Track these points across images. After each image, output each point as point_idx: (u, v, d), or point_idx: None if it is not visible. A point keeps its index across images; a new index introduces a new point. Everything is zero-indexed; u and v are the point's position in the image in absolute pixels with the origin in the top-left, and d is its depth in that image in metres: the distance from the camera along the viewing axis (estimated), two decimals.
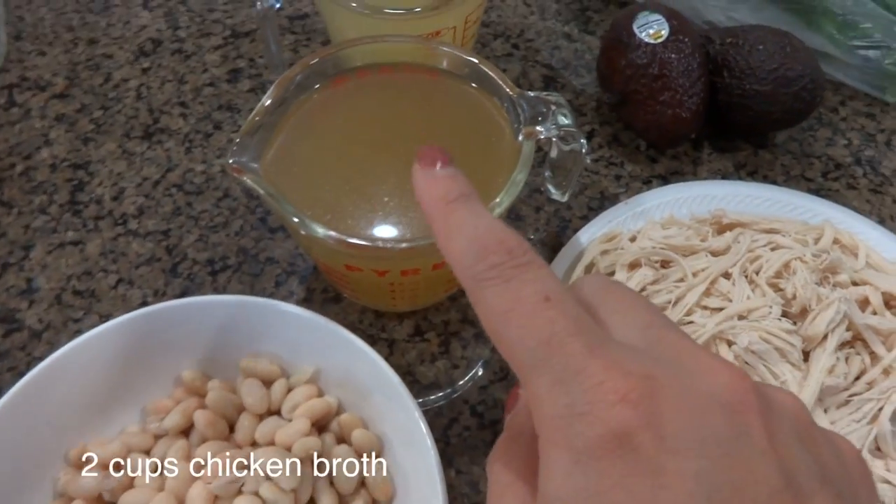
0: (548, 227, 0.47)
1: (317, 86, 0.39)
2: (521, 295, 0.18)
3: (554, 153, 0.41)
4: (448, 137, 0.38)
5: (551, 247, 0.46)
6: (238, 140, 0.35)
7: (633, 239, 0.42)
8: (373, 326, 0.43)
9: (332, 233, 0.33)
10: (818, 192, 0.49)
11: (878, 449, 0.33)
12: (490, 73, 0.39)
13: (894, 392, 0.33)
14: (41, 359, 0.40)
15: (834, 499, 0.17)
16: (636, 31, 0.47)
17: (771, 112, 0.47)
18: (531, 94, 0.38)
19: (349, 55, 0.40)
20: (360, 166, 0.37)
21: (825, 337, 0.34)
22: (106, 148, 0.49)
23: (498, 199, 0.34)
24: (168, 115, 0.51)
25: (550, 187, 0.43)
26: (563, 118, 0.38)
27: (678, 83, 0.46)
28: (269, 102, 0.37)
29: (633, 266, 0.41)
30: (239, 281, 0.44)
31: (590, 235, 0.43)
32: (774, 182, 0.49)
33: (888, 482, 0.32)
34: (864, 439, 0.32)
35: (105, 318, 0.42)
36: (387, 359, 0.40)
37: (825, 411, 0.33)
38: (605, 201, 0.48)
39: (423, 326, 0.43)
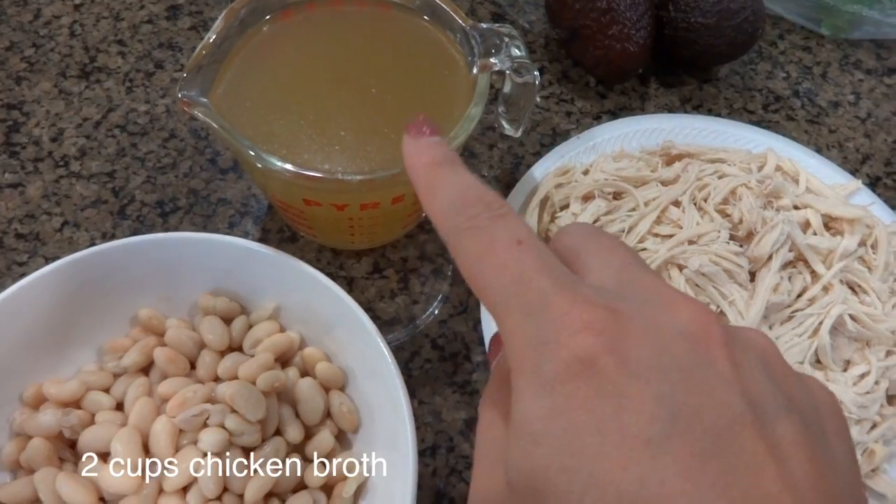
0: (501, 164, 0.47)
1: (266, 17, 0.38)
2: (495, 239, 0.20)
3: (507, 87, 0.41)
4: (402, 71, 0.38)
5: (505, 183, 0.46)
6: (186, 74, 0.34)
7: (585, 172, 0.43)
8: (331, 265, 0.43)
9: (290, 165, 0.32)
10: (759, 123, 0.50)
11: (819, 361, 0.35)
12: (442, 4, 0.38)
13: (833, 307, 0.35)
14: None
15: (800, 425, 0.17)
16: None
17: (715, 45, 0.48)
18: (484, 25, 0.38)
19: None
20: (314, 100, 0.36)
21: (770, 258, 0.36)
22: (41, 87, 0.47)
23: (453, 133, 0.35)
24: (105, 54, 0.49)
25: (504, 122, 0.43)
26: (516, 50, 0.38)
27: (626, 17, 0.46)
28: (215, 36, 0.36)
29: (587, 198, 0.42)
30: (191, 222, 0.43)
31: (543, 170, 0.44)
32: (719, 115, 0.51)
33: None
34: (805, 352, 0.34)
35: (51, 260, 0.41)
36: None
37: (770, 327, 0.35)
38: (556, 137, 0.49)
39: (382, 264, 0.43)
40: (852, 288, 0.37)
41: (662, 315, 0.18)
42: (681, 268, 0.36)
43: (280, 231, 0.43)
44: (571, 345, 0.17)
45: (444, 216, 0.21)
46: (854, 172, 0.49)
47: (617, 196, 0.42)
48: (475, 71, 0.37)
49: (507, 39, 0.38)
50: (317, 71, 0.37)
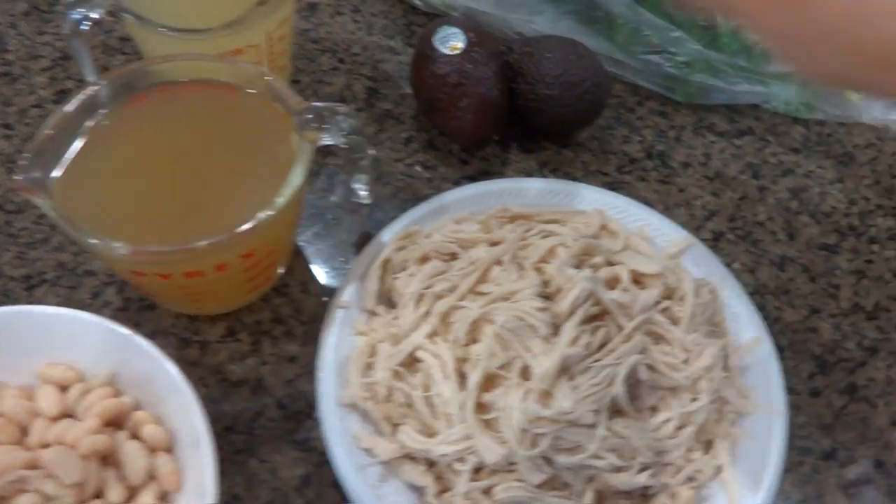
0: (361, 229, 0.50)
1: (118, 101, 0.41)
2: None
3: (347, 159, 0.44)
4: (233, 150, 0.41)
5: (362, 246, 0.49)
6: (27, 158, 0.37)
7: (429, 236, 0.46)
8: (187, 330, 0.45)
9: (114, 242, 0.35)
10: (612, 184, 0.53)
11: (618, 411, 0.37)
12: (277, 86, 0.41)
13: (627, 357, 0.37)
14: None
15: None
16: (436, 44, 0.51)
17: (562, 113, 0.52)
18: (318, 104, 0.41)
19: (148, 72, 0.42)
20: (148, 180, 0.39)
21: (574, 312, 0.38)
22: None
23: (279, 199, 0.37)
24: None
25: (354, 190, 0.46)
26: (346, 125, 0.41)
27: (475, 90, 0.50)
28: (59, 118, 0.39)
29: (425, 260, 0.44)
30: (56, 294, 0.45)
31: (392, 234, 0.46)
32: (574, 177, 0.54)
33: (622, 437, 0.36)
34: (600, 401, 0.36)
35: None
36: (198, 359, 0.43)
37: (570, 378, 0.37)
38: (418, 202, 0.51)
39: (236, 327, 0.45)
40: (660, 339, 0.40)
41: None
42: (492, 323, 0.39)
43: (141, 300, 0.46)
44: None
45: None
46: (698, 229, 0.52)
47: (454, 257, 0.44)
48: (301, 141, 0.40)
49: (339, 116, 0.41)
50: (153, 152, 0.40)
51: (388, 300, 0.44)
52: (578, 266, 0.41)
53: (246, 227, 0.36)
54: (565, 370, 0.37)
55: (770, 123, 0.59)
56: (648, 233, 0.47)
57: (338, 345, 0.42)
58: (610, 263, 0.42)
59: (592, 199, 0.49)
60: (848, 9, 0.27)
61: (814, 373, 0.47)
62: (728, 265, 0.50)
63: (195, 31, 0.44)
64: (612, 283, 0.41)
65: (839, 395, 0.47)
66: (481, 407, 0.38)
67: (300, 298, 0.47)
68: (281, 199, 0.37)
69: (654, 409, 0.38)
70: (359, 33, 0.61)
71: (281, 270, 0.47)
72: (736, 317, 0.45)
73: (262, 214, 0.36)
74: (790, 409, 0.45)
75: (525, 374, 0.37)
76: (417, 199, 0.52)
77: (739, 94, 0.57)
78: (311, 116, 0.40)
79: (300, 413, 0.42)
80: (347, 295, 0.44)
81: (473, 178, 0.53)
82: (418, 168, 0.53)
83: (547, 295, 0.40)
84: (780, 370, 0.43)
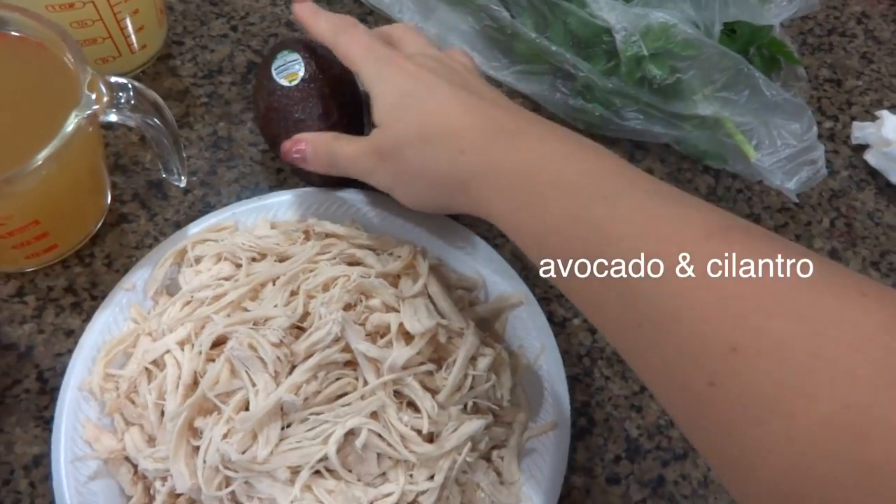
0: (190, 211, 0.48)
1: None
2: (356, 33, 0.41)
3: (150, 138, 0.42)
4: (17, 112, 0.39)
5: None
6: None
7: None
8: None
9: None
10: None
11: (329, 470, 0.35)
12: (72, 51, 0.39)
13: (350, 418, 0.34)
14: None
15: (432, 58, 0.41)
16: (274, 73, 0.45)
17: None
18: (117, 79, 0.39)
19: None
20: None
21: (311, 356, 0.36)
22: None
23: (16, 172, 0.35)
24: None
25: (163, 173, 0.44)
26: (137, 106, 0.39)
27: (318, 127, 0.44)
28: None
29: (219, 259, 0.42)
30: None
31: (205, 224, 0.44)
32: None
33: (321, 502, 0.34)
34: (310, 457, 0.34)
35: None
36: None
37: (289, 425, 0.35)
38: (257, 194, 0.49)
39: (27, 289, 0.44)
40: (410, 406, 0.37)
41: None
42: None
43: None
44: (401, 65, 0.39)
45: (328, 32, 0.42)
46: None
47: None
48: (76, 115, 0.37)
49: (132, 96, 0.39)
50: None
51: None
52: (354, 305, 0.38)
53: None
54: (283, 416, 0.35)
55: (675, 168, 0.54)
56: (481, 281, 0.44)
57: (109, 327, 0.41)
58: (392, 309, 0.38)
59: (428, 237, 0.45)
60: (420, 162, 0.37)
61: (620, 457, 0.44)
62: (566, 320, 0.47)
63: None
64: (385, 331, 0.38)
65: (640, 488, 0.44)
66: (194, 431, 0.36)
67: (100, 271, 0.45)
68: (18, 173, 0.35)
69: (384, 478, 0.36)
70: (262, 1, 0.57)
71: (96, 227, 0.45)
72: (544, 392, 0.42)
73: None
74: (580, 494, 0.42)
75: (245, 408, 0.35)
76: (270, 188, 0.49)
77: (645, 131, 0.52)
78: (102, 89, 0.38)
79: (58, 390, 0.41)
80: (137, 277, 0.42)
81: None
82: (270, 157, 0.51)
83: (304, 329, 0.37)
84: (564, 461, 0.40)
